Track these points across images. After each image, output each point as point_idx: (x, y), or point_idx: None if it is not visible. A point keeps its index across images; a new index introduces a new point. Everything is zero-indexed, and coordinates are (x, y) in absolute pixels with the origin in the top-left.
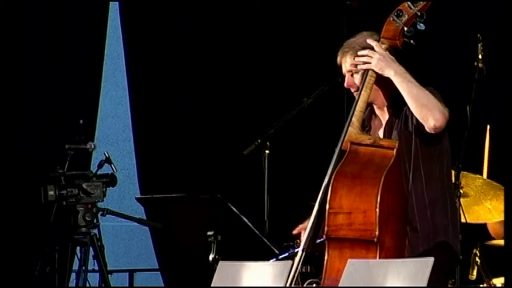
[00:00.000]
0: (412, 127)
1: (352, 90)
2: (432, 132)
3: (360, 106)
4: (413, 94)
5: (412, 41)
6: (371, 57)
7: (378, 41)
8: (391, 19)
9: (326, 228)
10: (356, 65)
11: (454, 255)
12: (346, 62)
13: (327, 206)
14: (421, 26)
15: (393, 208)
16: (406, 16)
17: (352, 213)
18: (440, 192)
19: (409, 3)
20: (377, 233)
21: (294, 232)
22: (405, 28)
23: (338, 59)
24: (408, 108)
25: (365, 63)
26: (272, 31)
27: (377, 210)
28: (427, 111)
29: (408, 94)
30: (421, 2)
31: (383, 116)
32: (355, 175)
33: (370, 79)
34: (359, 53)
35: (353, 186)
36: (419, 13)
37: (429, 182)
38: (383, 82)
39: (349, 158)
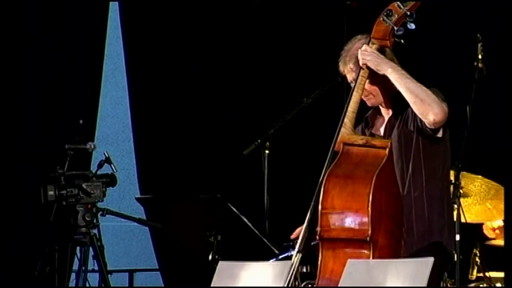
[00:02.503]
0: (414, 126)
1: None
2: (432, 127)
3: (352, 107)
4: (411, 90)
5: (402, 41)
6: (365, 53)
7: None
8: (381, 19)
9: (319, 229)
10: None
11: (447, 256)
12: (351, 72)
13: (320, 207)
14: (411, 26)
15: (386, 207)
16: (396, 16)
17: (344, 213)
18: (440, 192)
19: (398, 3)
20: (369, 232)
21: (292, 236)
22: (395, 28)
23: (341, 68)
24: (412, 108)
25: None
26: (272, 31)
27: (369, 209)
28: (426, 106)
29: (406, 90)
30: (411, 2)
31: (388, 114)
32: (347, 175)
33: (362, 79)
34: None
35: (345, 186)
36: (408, 13)
37: (429, 182)
38: (387, 84)
39: (342, 159)
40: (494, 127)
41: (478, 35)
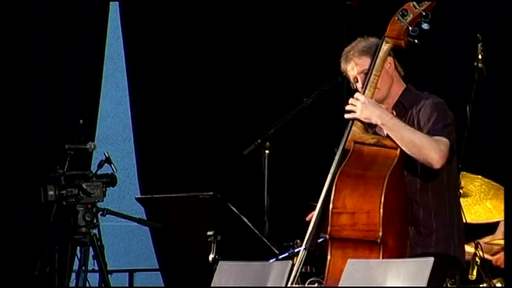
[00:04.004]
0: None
1: (362, 87)
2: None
3: None
4: (406, 142)
5: (416, 41)
6: (354, 105)
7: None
8: (396, 18)
9: (329, 228)
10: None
11: (455, 263)
12: (356, 65)
13: (331, 206)
14: (426, 26)
15: (395, 209)
16: (411, 16)
17: (355, 213)
18: (448, 200)
19: (414, 2)
20: (380, 233)
21: (307, 218)
22: (410, 28)
23: (343, 66)
24: (416, 111)
25: (349, 112)
26: (272, 31)
27: (381, 210)
28: (425, 154)
29: (401, 142)
30: (426, 2)
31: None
32: (359, 175)
33: (374, 78)
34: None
35: (356, 186)
36: (424, 13)
37: (436, 191)
38: (394, 78)
39: (353, 158)
40: (494, 127)
41: (478, 35)
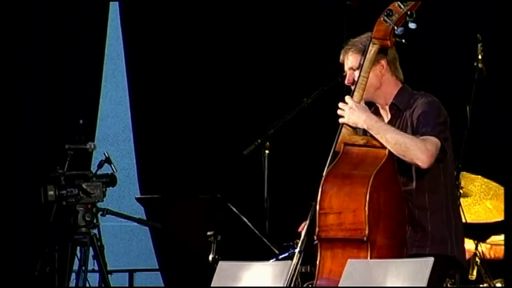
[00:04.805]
0: (411, 133)
1: (353, 87)
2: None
3: None
4: (392, 144)
5: (403, 41)
6: (343, 110)
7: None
8: (382, 19)
9: (317, 229)
10: (358, 62)
11: (454, 263)
12: (348, 59)
13: (317, 207)
14: (412, 25)
15: (386, 207)
16: (397, 16)
17: (342, 213)
18: (444, 200)
19: (399, 2)
20: (367, 232)
21: (300, 230)
22: (396, 28)
23: (341, 57)
24: (409, 113)
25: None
26: (272, 31)
27: (366, 209)
28: (411, 155)
29: (387, 144)
30: (411, 2)
31: (386, 116)
32: (345, 175)
33: (362, 80)
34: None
35: (342, 186)
36: (409, 12)
37: (433, 191)
38: (385, 82)
39: (342, 159)
40: (494, 127)
41: (478, 35)
